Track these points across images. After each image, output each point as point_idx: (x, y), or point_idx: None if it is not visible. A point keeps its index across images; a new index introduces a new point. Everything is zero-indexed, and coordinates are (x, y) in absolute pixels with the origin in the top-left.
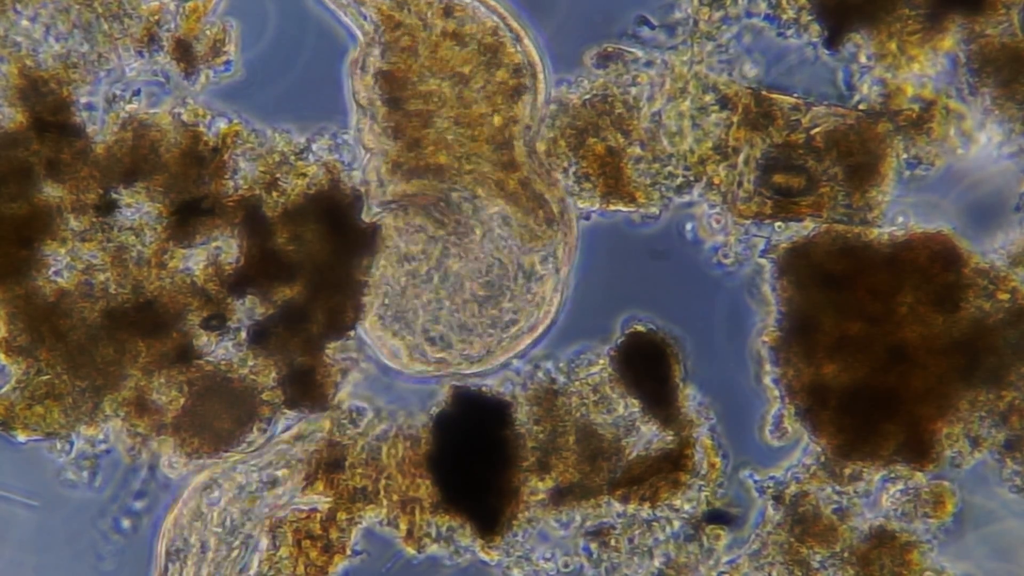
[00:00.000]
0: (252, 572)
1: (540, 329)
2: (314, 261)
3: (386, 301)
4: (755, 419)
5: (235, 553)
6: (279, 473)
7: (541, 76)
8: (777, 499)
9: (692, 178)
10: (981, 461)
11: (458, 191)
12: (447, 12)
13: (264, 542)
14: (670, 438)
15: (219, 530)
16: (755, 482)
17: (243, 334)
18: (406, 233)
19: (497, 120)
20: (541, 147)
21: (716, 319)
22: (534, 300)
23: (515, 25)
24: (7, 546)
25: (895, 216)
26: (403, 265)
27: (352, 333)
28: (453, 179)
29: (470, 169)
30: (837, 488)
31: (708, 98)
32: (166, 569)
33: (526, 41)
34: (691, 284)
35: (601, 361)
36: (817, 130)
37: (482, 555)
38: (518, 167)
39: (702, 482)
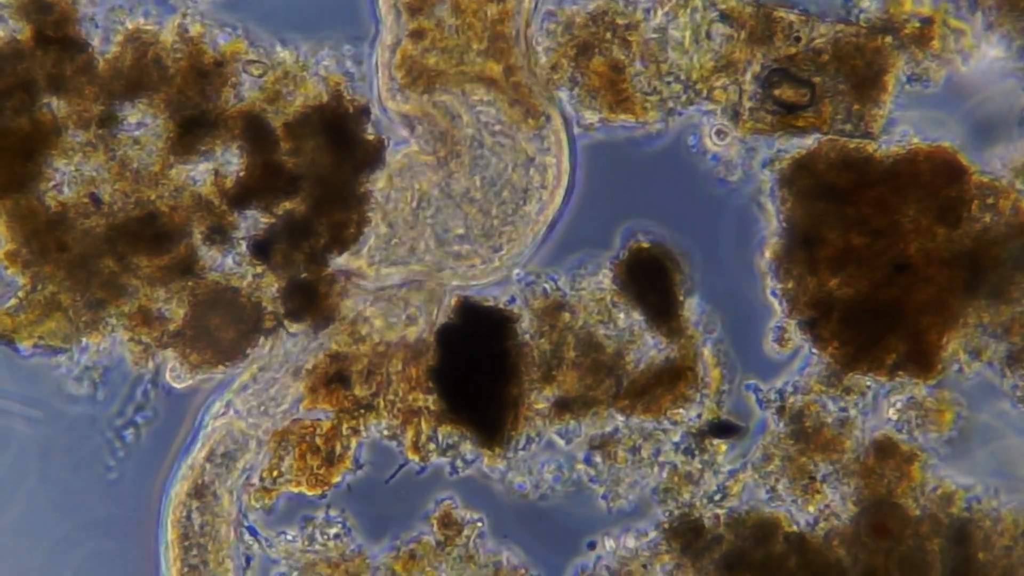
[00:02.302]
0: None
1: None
2: (317, 174)
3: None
4: (758, 331)
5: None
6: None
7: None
8: (779, 411)
9: (695, 93)
10: (983, 374)
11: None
12: None
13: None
14: (673, 350)
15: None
16: (758, 394)
17: (246, 247)
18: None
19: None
20: (545, 63)
21: (719, 232)
22: (538, 185)
23: None
24: (10, 457)
25: (897, 130)
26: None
27: (355, 247)
28: (449, 85)
29: (463, 70)
30: (839, 399)
31: (710, 13)
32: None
33: None
34: (694, 197)
35: (604, 273)
36: (819, 44)
37: (485, 465)
38: (514, 71)
39: (705, 394)
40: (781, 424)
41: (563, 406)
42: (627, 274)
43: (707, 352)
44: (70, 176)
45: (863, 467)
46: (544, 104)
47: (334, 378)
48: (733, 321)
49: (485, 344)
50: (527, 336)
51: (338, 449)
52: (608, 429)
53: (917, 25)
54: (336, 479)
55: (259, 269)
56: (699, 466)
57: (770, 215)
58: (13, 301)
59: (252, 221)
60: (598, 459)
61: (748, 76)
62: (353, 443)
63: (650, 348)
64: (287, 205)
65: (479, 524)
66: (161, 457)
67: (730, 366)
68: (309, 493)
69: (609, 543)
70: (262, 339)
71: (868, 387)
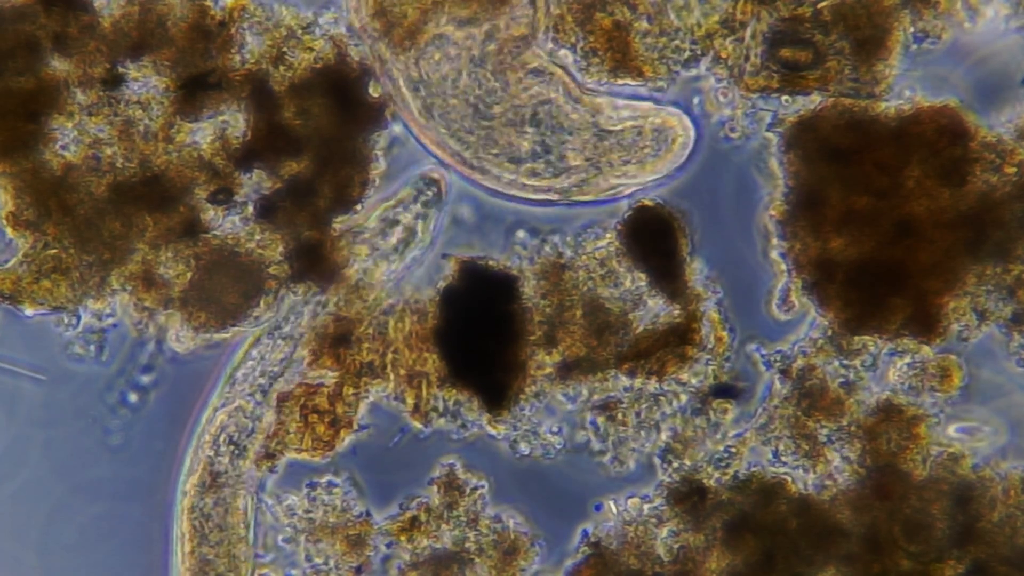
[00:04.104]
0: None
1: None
2: (321, 135)
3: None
4: (762, 293)
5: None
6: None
7: None
8: (784, 373)
9: (699, 52)
10: (988, 335)
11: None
12: None
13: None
14: (677, 312)
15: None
16: (762, 356)
17: (250, 208)
18: None
19: None
20: (547, 23)
21: (723, 193)
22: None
23: None
24: (15, 420)
25: (902, 90)
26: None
27: (359, 207)
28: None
29: None
30: (844, 362)
31: None
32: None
33: None
34: (698, 158)
35: (608, 235)
36: (824, 3)
37: (489, 429)
38: None
39: (709, 356)
40: (786, 387)
41: (568, 369)
42: (631, 234)
43: (713, 313)
44: (74, 136)
45: (867, 430)
46: None
47: (338, 340)
48: (734, 283)
49: (489, 306)
50: (530, 298)
51: (340, 410)
52: (613, 392)
53: None
54: (340, 444)
55: (263, 231)
56: (704, 428)
57: (776, 176)
58: (14, 261)
59: (256, 182)
60: (602, 421)
61: (749, 34)
62: (360, 406)
63: (654, 310)
64: (292, 166)
65: (482, 489)
66: (165, 422)
67: (733, 328)
68: (313, 459)
69: (614, 507)
70: (263, 300)
71: (872, 349)
